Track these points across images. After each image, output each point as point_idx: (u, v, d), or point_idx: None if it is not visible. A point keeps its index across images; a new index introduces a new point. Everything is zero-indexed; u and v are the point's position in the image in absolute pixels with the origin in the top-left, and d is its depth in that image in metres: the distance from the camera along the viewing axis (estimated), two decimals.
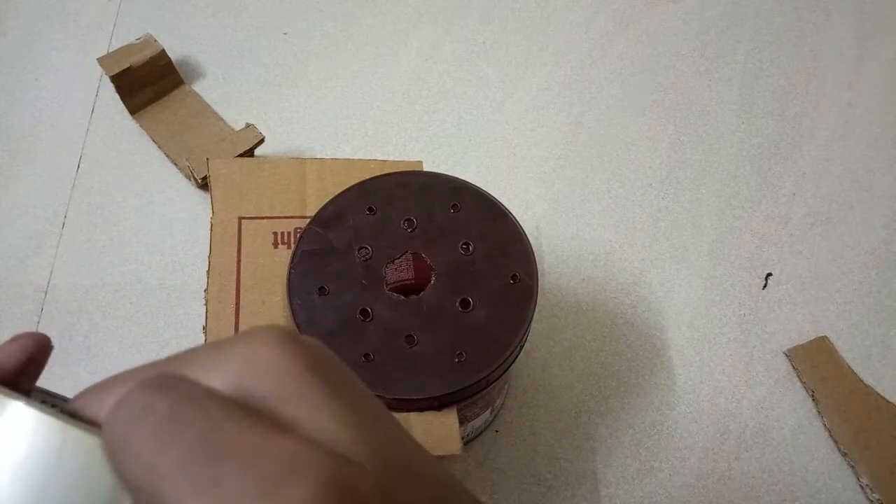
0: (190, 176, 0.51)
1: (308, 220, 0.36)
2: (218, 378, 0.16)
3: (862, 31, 0.64)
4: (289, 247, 0.37)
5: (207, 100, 0.56)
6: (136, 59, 0.52)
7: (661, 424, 0.46)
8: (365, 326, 0.33)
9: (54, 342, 0.46)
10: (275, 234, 0.38)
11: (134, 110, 0.54)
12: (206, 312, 0.35)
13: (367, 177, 0.37)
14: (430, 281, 0.34)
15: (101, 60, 0.52)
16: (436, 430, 0.32)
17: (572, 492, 0.43)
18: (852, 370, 0.48)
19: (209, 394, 0.15)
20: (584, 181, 0.55)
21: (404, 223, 0.35)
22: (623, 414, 0.46)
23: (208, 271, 0.36)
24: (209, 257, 0.37)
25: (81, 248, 0.50)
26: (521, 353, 0.35)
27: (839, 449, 0.45)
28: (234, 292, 0.36)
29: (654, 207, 0.54)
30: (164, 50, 0.53)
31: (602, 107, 0.59)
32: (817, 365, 0.47)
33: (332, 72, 0.59)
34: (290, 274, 0.34)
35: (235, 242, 0.38)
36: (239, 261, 0.37)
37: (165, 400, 0.15)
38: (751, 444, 0.46)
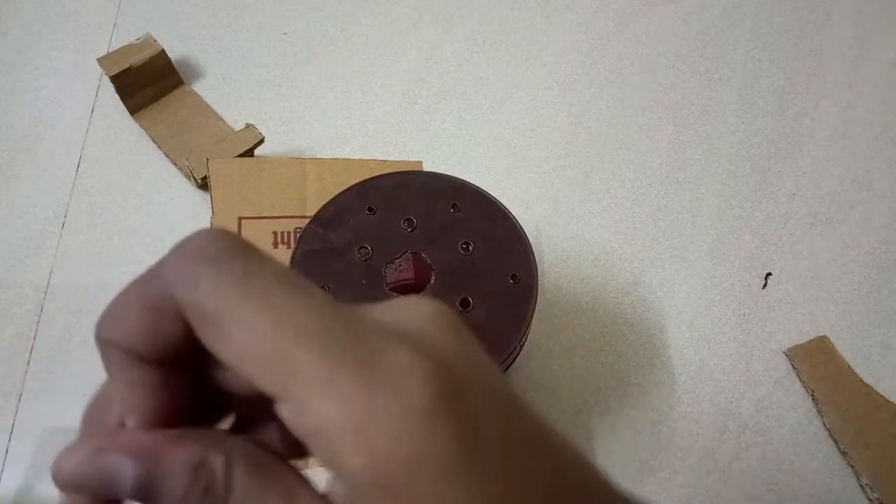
0: (190, 176, 0.51)
1: (308, 220, 0.36)
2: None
3: (862, 30, 0.64)
4: (289, 247, 0.37)
5: (207, 100, 0.56)
6: (136, 59, 0.52)
7: (661, 424, 0.46)
8: None
9: (54, 342, 0.46)
10: (275, 233, 0.38)
11: (134, 110, 0.54)
12: None
13: (367, 177, 0.37)
14: (429, 281, 0.34)
15: (100, 60, 0.52)
16: None
17: None
18: (852, 370, 0.48)
19: None
20: (584, 181, 0.55)
21: (404, 223, 0.35)
22: (623, 414, 0.46)
23: None
24: None
25: (81, 248, 0.50)
26: (521, 353, 0.35)
27: (839, 449, 0.45)
28: None
29: (654, 207, 0.54)
30: (163, 50, 0.53)
31: (602, 107, 0.59)
32: (817, 365, 0.47)
33: (332, 72, 0.59)
34: None
35: None
36: None
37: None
38: (751, 443, 0.46)
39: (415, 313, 0.16)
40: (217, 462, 0.15)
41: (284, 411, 0.14)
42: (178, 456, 0.15)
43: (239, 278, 0.15)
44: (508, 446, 0.15)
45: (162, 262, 0.16)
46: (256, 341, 0.14)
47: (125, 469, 0.15)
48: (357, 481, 0.13)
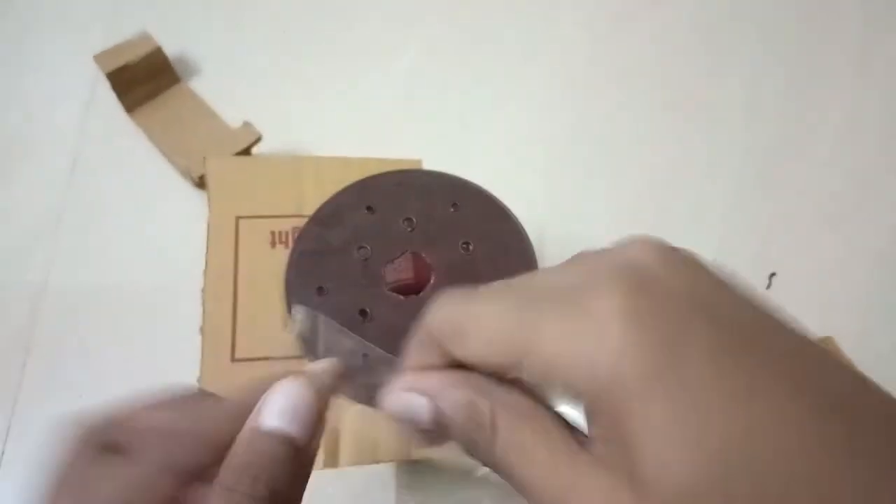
0: (187, 175, 0.50)
1: (306, 220, 0.35)
2: None
3: (868, 29, 0.63)
4: (286, 246, 0.37)
5: (204, 97, 0.55)
6: (132, 56, 0.51)
7: None
8: (364, 327, 0.32)
9: (50, 343, 0.45)
10: (272, 233, 0.38)
11: (130, 108, 0.53)
12: (203, 313, 0.35)
13: (366, 175, 0.37)
14: (429, 281, 0.33)
15: (96, 58, 0.51)
16: None
17: None
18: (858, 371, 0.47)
19: None
20: (587, 180, 0.54)
21: (403, 222, 0.35)
22: None
23: (205, 271, 0.36)
24: (206, 257, 0.36)
25: (77, 248, 0.49)
26: None
27: None
28: (232, 292, 0.36)
29: (657, 207, 0.53)
30: (160, 47, 0.52)
31: (604, 105, 0.58)
32: None
33: (331, 69, 0.58)
34: (288, 274, 0.33)
35: (233, 242, 0.37)
36: (236, 260, 0.36)
37: None
38: None
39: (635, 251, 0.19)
40: (484, 405, 0.19)
41: (525, 365, 0.18)
42: (454, 398, 0.19)
43: (463, 298, 0.20)
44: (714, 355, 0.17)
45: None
46: (499, 329, 0.19)
47: (420, 404, 0.20)
48: (600, 384, 0.17)
